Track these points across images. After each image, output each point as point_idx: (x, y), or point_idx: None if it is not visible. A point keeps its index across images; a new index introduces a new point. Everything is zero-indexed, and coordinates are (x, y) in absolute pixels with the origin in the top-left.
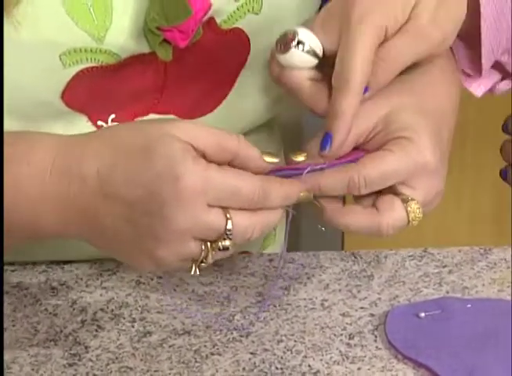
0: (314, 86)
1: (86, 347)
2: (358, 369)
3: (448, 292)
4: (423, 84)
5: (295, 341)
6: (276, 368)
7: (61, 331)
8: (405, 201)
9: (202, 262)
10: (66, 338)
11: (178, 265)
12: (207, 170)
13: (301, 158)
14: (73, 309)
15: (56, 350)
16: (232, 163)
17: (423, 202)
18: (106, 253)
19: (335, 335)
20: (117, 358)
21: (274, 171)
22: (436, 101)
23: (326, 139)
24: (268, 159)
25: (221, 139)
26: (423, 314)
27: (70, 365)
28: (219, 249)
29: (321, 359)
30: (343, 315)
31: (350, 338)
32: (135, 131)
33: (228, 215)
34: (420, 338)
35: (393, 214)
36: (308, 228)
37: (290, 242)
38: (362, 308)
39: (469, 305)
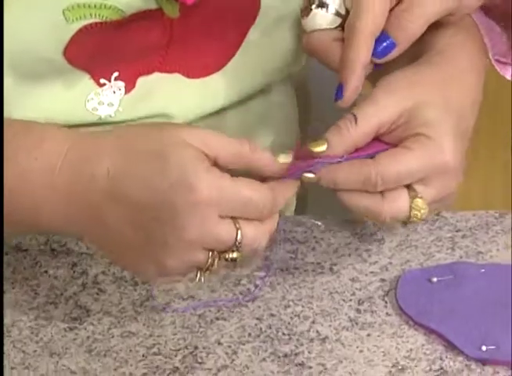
0: (340, 47)
1: (87, 311)
2: (368, 335)
3: (461, 257)
4: (451, 75)
5: (303, 306)
6: (283, 334)
7: (61, 294)
8: (412, 197)
9: (207, 269)
10: (67, 302)
11: (181, 273)
12: (221, 180)
13: (322, 148)
14: (74, 272)
15: (56, 313)
16: (246, 168)
17: (432, 200)
18: (106, 255)
19: (344, 301)
20: (118, 322)
21: (291, 170)
22: (462, 96)
23: (339, 89)
24: (282, 159)
25: (234, 146)
26: (435, 279)
27: (71, 329)
28: (226, 260)
29: (329, 325)
30: (352, 280)
31: (359, 304)
32: (149, 135)
33: (237, 226)
34: (432, 303)
35: (395, 205)
36: (316, 191)
37: (297, 206)
38: (372, 272)
39: (483, 271)
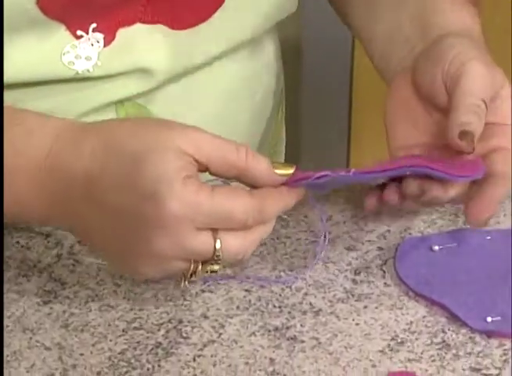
0: None
1: (62, 283)
2: (365, 307)
3: (465, 224)
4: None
5: (295, 277)
6: (274, 306)
7: (34, 266)
8: None
9: (191, 276)
10: (40, 274)
11: (165, 278)
12: (197, 195)
13: (288, 172)
14: (48, 242)
15: (29, 287)
16: (238, 178)
17: None
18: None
19: (339, 271)
20: (96, 295)
21: (289, 182)
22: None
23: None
24: (280, 171)
25: (227, 152)
26: (437, 247)
27: (45, 303)
28: (207, 272)
29: (323, 297)
30: (348, 249)
31: (356, 274)
32: (136, 134)
33: (216, 237)
34: (434, 273)
35: None
36: (308, 153)
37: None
38: (369, 241)
39: (488, 238)
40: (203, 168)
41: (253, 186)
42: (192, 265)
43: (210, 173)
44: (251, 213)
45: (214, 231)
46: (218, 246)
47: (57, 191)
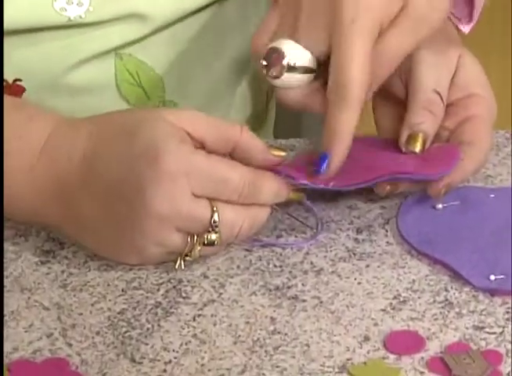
0: (317, 95)
1: (61, 243)
2: (367, 266)
3: (468, 181)
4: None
5: (296, 236)
6: (275, 266)
7: (32, 226)
8: None
9: (187, 255)
10: (38, 234)
11: (162, 258)
12: (193, 154)
13: (281, 154)
14: None
15: (27, 246)
16: (233, 155)
17: None
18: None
19: (341, 230)
20: (95, 255)
21: (281, 171)
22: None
23: (323, 159)
24: (276, 152)
25: (223, 128)
26: (440, 205)
27: (43, 263)
28: (204, 244)
29: (325, 256)
30: (350, 207)
31: (357, 233)
32: (129, 113)
33: (214, 207)
34: (437, 231)
35: None
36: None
37: (290, 131)
38: (371, 200)
39: (492, 195)
40: (198, 145)
41: (247, 163)
42: (189, 240)
43: (207, 150)
44: (246, 183)
45: (211, 201)
46: (215, 215)
47: (51, 175)
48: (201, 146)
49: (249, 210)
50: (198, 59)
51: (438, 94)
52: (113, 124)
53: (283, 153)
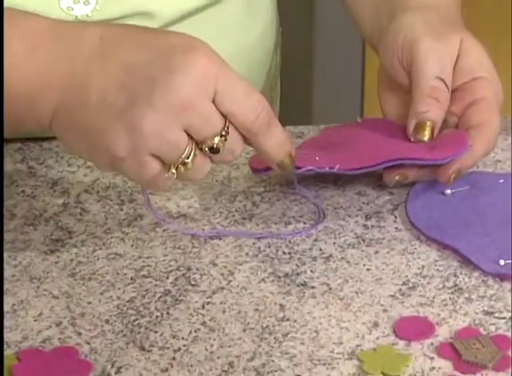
0: None
1: (69, 232)
2: (376, 252)
3: (477, 166)
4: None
5: (304, 223)
6: (284, 253)
7: (41, 215)
8: None
9: (182, 163)
10: (47, 223)
11: (149, 167)
12: (223, 63)
13: None
14: (54, 191)
15: (36, 235)
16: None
17: None
18: (70, 142)
19: (349, 216)
20: (104, 244)
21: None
22: None
23: None
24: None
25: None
26: (449, 191)
27: (52, 252)
28: (209, 148)
29: (334, 243)
30: (358, 194)
31: (366, 219)
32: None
33: (229, 121)
34: (446, 217)
35: None
36: (321, 102)
37: (301, 118)
38: (379, 186)
39: (501, 181)
40: None
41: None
42: (189, 144)
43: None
44: (264, 109)
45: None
46: (227, 125)
47: (59, 56)
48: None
49: (257, 138)
50: None
51: (442, 80)
52: (138, 29)
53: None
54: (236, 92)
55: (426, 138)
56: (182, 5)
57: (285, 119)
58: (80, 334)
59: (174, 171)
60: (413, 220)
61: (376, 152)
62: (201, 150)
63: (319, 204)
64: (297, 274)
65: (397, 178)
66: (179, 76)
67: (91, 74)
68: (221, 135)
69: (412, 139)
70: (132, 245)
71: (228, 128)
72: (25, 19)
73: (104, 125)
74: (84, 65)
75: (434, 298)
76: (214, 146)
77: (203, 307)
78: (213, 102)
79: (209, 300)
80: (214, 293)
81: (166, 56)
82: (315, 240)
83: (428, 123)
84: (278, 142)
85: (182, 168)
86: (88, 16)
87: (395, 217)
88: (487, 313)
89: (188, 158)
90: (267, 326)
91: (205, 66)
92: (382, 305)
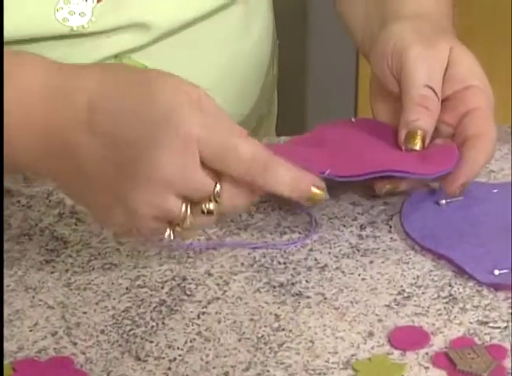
0: None
1: (65, 242)
2: (371, 262)
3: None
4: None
5: (300, 233)
6: (279, 263)
7: (36, 225)
8: None
9: (178, 224)
10: (42, 233)
11: (150, 225)
12: (210, 119)
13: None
14: (50, 201)
15: (31, 246)
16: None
17: None
18: (74, 200)
19: (344, 226)
20: (99, 254)
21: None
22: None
23: None
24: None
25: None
26: (443, 201)
27: (47, 262)
28: (202, 212)
29: (329, 253)
30: (353, 204)
31: (361, 229)
32: (144, 70)
33: (220, 179)
34: (441, 227)
35: None
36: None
37: (295, 124)
38: (374, 196)
39: (495, 191)
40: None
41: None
42: (185, 207)
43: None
44: (257, 160)
45: (218, 173)
46: (218, 187)
47: (51, 120)
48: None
49: (254, 195)
50: (196, 63)
51: (431, 89)
52: (124, 75)
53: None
54: (222, 149)
55: (417, 146)
56: (178, 16)
57: (279, 129)
58: (75, 344)
59: (171, 234)
60: (408, 230)
61: (368, 159)
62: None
63: (313, 214)
64: (292, 284)
65: (388, 186)
66: (163, 153)
67: (83, 146)
68: (215, 198)
69: (403, 148)
70: (128, 255)
71: (221, 187)
72: (18, 73)
73: (96, 197)
74: (76, 137)
75: (428, 307)
76: (208, 208)
77: (198, 317)
78: (201, 162)
79: (204, 310)
80: (209, 303)
81: (149, 132)
82: (310, 249)
83: (419, 132)
84: (286, 180)
85: (178, 229)
86: (83, 27)
87: (390, 227)
88: (481, 323)
89: (184, 221)
90: (262, 336)
91: (192, 137)
92: (377, 315)
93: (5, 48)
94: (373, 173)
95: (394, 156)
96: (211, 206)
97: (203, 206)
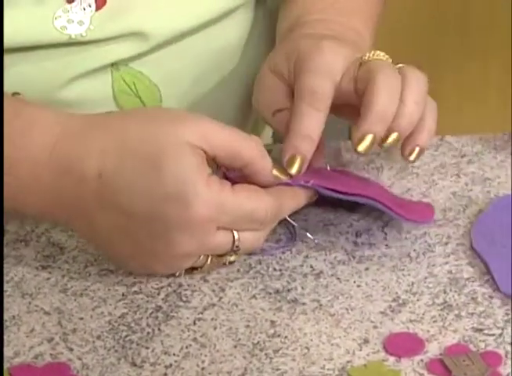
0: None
1: (61, 248)
2: (366, 269)
3: (467, 184)
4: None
5: (295, 240)
6: (274, 269)
7: (33, 231)
8: None
9: (195, 268)
10: (39, 239)
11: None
12: (221, 194)
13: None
14: None
15: (28, 251)
16: (241, 169)
17: None
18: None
19: (340, 233)
20: (95, 260)
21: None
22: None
23: None
24: (276, 173)
25: (237, 145)
26: None
27: (44, 268)
28: (224, 264)
29: (324, 260)
30: (349, 211)
31: (357, 236)
32: (145, 132)
33: (236, 236)
34: (501, 232)
35: None
36: None
37: None
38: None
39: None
40: (209, 158)
41: (248, 178)
42: (205, 260)
43: (216, 161)
44: (270, 213)
45: (234, 229)
46: (237, 242)
47: (62, 189)
48: (212, 158)
49: (267, 227)
50: (195, 73)
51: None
52: (131, 147)
53: (284, 178)
54: (239, 216)
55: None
56: (176, 25)
57: (275, 134)
58: (71, 349)
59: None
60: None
61: (353, 185)
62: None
63: (294, 224)
64: (288, 290)
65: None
66: (179, 233)
67: (95, 216)
68: (234, 251)
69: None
70: None
71: (238, 238)
72: (24, 143)
73: (116, 256)
74: (86, 207)
75: (423, 314)
76: (230, 260)
77: (194, 323)
78: (219, 227)
79: (200, 316)
80: (205, 309)
81: (163, 213)
82: (306, 256)
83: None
84: (292, 209)
85: (195, 271)
86: (82, 35)
87: (385, 234)
88: (476, 330)
89: (203, 266)
90: (258, 342)
91: (203, 218)
92: (372, 322)
93: (10, 101)
94: (356, 195)
95: (378, 191)
96: (232, 258)
97: (224, 260)
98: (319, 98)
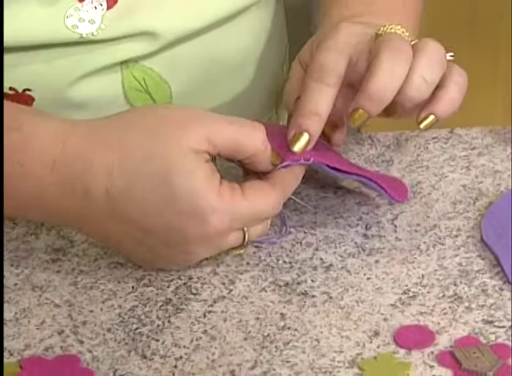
0: None
1: (71, 241)
2: (376, 262)
3: (477, 177)
4: None
5: (305, 232)
6: (284, 262)
7: (42, 224)
8: None
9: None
10: (49, 232)
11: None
12: (234, 203)
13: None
14: None
15: (38, 245)
16: (244, 162)
17: None
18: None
19: (350, 226)
20: (105, 253)
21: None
22: None
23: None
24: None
25: (241, 141)
26: None
27: (54, 261)
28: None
29: (334, 252)
30: (358, 204)
31: (367, 229)
32: (146, 147)
33: (246, 233)
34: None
35: None
36: None
37: None
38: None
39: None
40: (212, 156)
41: (250, 167)
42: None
43: (219, 156)
44: (277, 205)
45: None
46: (246, 237)
47: (68, 207)
48: (216, 155)
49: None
50: (207, 72)
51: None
52: (137, 163)
53: (277, 162)
54: (252, 217)
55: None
56: (185, 25)
57: None
58: (82, 342)
59: None
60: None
61: (348, 163)
62: None
63: (283, 215)
64: (298, 283)
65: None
66: (195, 245)
67: (106, 225)
68: (244, 245)
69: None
70: None
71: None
72: (27, 161)
73: (131, 257)
74: (96, 219)
75: (434, 307)
76: (240, 252)
77: (204, 316)
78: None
79: (210, 309)
80: (215, 302)
81: (178, 227)
82: (316, 249)
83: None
84: (295, 187)
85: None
86: (93, 34)
87: (395, 226)
88: (487, 322)
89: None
90: (268, 334)
91: (219, 227)
92: (382, 314)
93: (12, 111)
94: (355, 174)
95: (370, 171)
96: (241, 251)
97: (233, 251)
98: (328, 72)
